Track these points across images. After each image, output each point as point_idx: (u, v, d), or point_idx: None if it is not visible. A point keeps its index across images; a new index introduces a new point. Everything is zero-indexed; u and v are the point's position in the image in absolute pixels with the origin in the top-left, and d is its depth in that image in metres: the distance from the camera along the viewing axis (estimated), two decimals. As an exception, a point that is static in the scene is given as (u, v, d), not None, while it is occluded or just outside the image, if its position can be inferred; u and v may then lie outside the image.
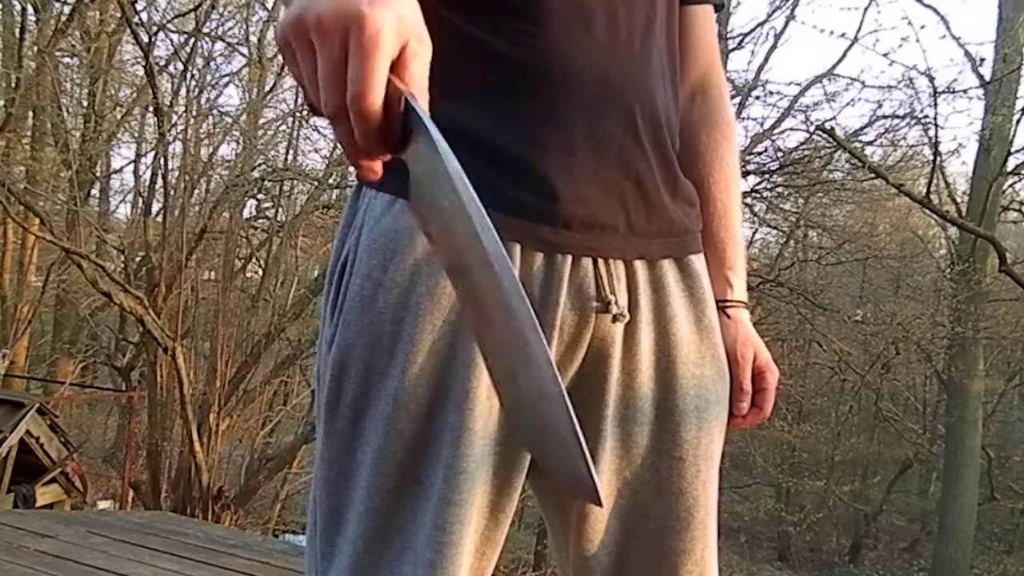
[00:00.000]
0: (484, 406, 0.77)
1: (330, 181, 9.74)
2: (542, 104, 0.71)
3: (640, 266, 0.83)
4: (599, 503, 0.59)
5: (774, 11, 9.27)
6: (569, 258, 0.78)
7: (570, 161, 0.78)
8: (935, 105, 6.58)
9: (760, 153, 8.69)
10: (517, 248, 0.77)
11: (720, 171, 0.96)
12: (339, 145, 0.59)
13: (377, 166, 0.56)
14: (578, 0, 0.79)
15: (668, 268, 0.85)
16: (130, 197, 12.87)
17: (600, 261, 0.80)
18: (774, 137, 8.81)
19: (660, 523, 0.84)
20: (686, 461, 0.84)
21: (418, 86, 0.54)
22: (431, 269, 0.76)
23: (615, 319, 0.80)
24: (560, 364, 0.80)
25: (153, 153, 10.68)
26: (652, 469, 0.84)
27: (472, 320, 0.59)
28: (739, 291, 0.95)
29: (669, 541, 0.84)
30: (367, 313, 0.78)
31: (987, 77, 8.46)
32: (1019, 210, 10.02)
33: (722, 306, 0.93)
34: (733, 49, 9.40)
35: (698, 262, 0.88)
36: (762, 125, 8.89)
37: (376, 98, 0.52)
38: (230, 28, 10.85)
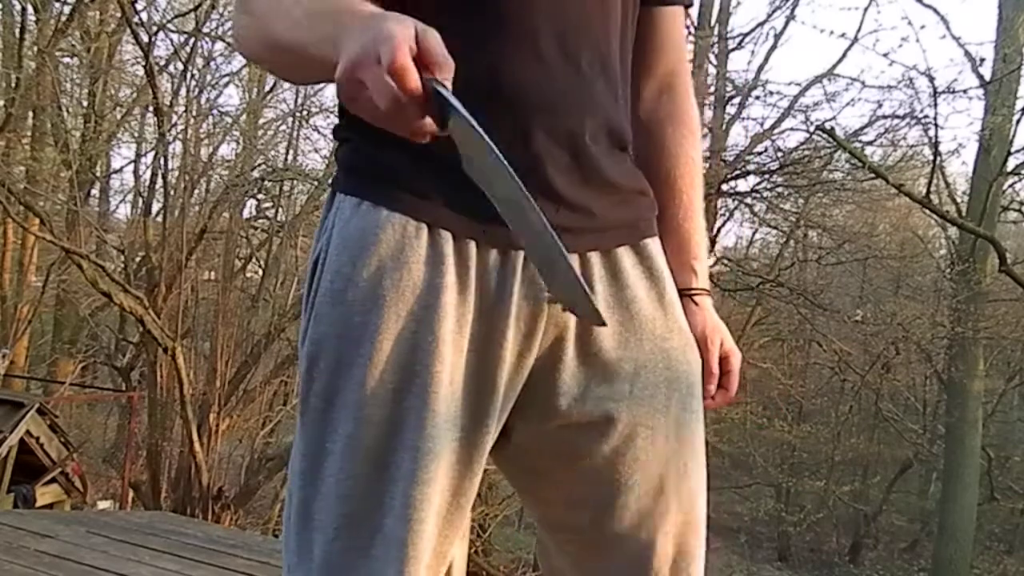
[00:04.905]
0: (447, 391, 0.81)
1: (330, 181, 9.73)
2: (489, 120, 0.73)
3: (595, 257, 0.88)
4: (602, 323, 0.78)
5: (774, 11, 9.30)
6: (522, 253, 0.83)
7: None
8: (935, 105, 6.57)
9: (760, 153, 8.69)
10: (472, 245, 0.83)
11: (685, 165, 1.01)
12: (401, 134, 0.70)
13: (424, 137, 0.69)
14: (529, 21, 0.84)
15: (624, 254, 0.90)
16: (130, 197, 12.87)
17: None
18: (774, 137, 8.82)
19: (637, 491, 0.88)
20: (659, 429, 0.89)
21: (441, 60, 0.67)
22: (396, 264, 0.81)
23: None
24: (520, 352, 0.85)
25: (153, 153, 10.68)
26: (627, 440, 0.87)
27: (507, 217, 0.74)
28: (703, 279, 1.01)
29: (646, 506, 0.89)
30: (337, 307, 0.82)
31: (987, 77, 8.46)
32: (1019, 210, 10.01)
33: (688, 294, 0.99)
34: (733, 49, 9.42)
35: (653, 244, 0.93)
36: (762, 125, 8.90)
37: (412, 82, 0.65)
38: (230, 28, 10.85)
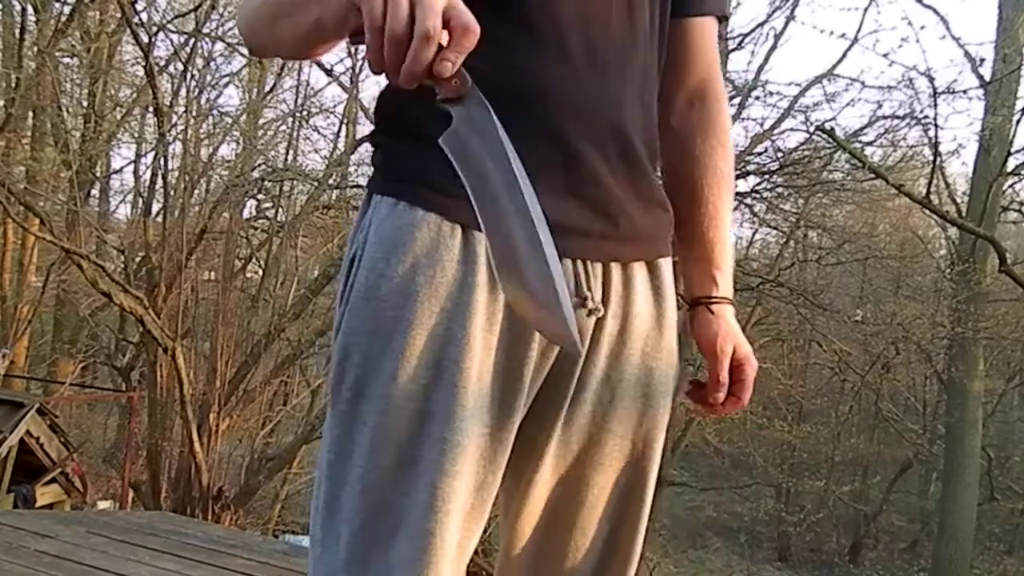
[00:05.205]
0: (476, 387, 0.83)
1: (330, 181, 9.74)
2: (520, 125, 0.78)
3: (615, 267, 0.92)
4: (579, 352, 0.75)
5: (774, 11, 9.23)
6: None
7: (546, 176, 0.84)
8: (935, 105, 6.57)
9: (760, 153, 8.69)
10: None
11: (713, 175, 1.02)
12: (383, 68, 0.71)
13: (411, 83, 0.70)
14: (556, 27, 0.87)
15: (638, 269, 0.94)
16: (130, 197, 12.86)
17: (579, 262, 0.89)
18: (774, 137, 8.81)
19: (597, 491, 0.94)
20: (629, 439, 0.94)
21: (465, 19, 0.69)
22: (429, 262, 0.84)
23: (590, 313, 0.89)
24: (543, 352, 0.88)
25: (153, 153, 10.68)
26: (597, 445, 0.93)
27: (483, 210, 0.74)
28: (724, 288, 1.02)
29: (607, 504, 0.95)
30: (371, 302, 0.84)
31: (987, 77, 8.46)
32: (1019, 210, 10.01)
33: (707, 302, 1.01)
34: (733, 49, 9.38)
35: (666, 265, 0.97)
36: (762, 125, 8.87)
37: (437, 22, 0.67)
38: (230, 28, 10.83)
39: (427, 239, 0.84)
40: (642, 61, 0.92)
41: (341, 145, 11.23)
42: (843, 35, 8.66)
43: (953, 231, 11.41)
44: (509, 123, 0.79)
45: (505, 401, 0.86)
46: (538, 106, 0.85)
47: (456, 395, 0.82)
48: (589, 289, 0.89)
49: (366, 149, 11.31)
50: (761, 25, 9.17)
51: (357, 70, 10.21)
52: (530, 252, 0.71)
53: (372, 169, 0.94)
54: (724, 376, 0.98)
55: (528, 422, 0.90)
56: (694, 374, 1.05)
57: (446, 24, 0.68)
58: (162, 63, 9.81)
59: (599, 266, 0.90)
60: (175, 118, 9.46)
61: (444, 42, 0.69)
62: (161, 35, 9.26)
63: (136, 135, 11.88)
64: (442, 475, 0.81)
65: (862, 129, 8.70)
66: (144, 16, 9.15)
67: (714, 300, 1.01)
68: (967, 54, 8.49)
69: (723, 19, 1.06)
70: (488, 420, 0.85)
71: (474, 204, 0.73)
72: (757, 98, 8.73)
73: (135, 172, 11.99)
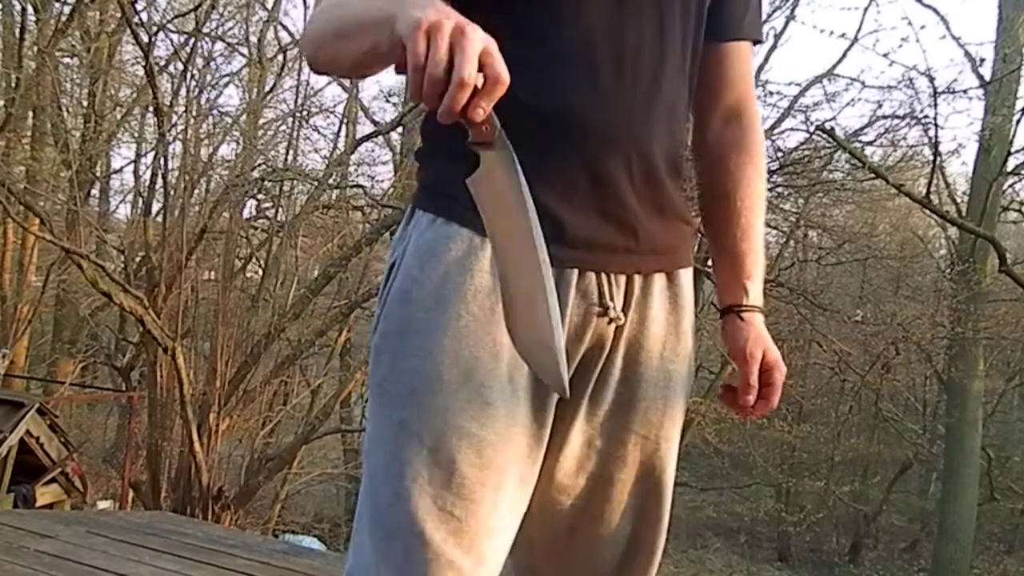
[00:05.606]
0: (507, 387, 0.89)
1: (330, 181, 9.74)
2: (550, 146, 0.87)
3: (637, 278, 0.97)
4: (565, 395, 0.81)
5: (774, 11, 9.26)
6: (576, 271, 0.93)
7: (572, 195, 0.92)
8: (935, 105, 6.53)
9: (760, 153, 8.65)
10: None
11: (746, 190, 1.08)
12: (422, 101, 0.74)
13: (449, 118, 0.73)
14: (586, 54, 0.92)
15: (658, 279, 0.99)
16: (130, 197, 12.87)
17: (603, 275, 0.94)
18: (774, 137, 8.78)
19: (620, 487, 0.99)
20: (650, 439, 0.99)
21: (498, 70, 0.72)
22: (460, 270, 0.90)
23: (611, 322, 0.95)
24: (568, 354, 0.91)
25: (153, 153, 10.68)
26: (620, 443, 0.98)
27: (498, 253, 0.79)
28: (754, 297, 1.07)
29: (629, 499, 0.99)
30: (404, 305, 0.92)
31: (987, 77, 8.44)
32: (1019, 210, 10.01)
33: (737, 310, 1.06)
34: (733, 49, 9.37)
35: (685, 275, 1.02)
36: (762, 125, 8.86)
37: (474, 70, 0.70)
38: (230, 28, 10.87)
39: (460, 250, 0.90)
40: (672, 83, 0.96)
41: (341, 145, 11.24)
42: (843, 35, 8.70)
43: (953, 231, 11.41)
44: (541, 146, 0.87)
45: (540, 399, 0.91)
46: (569, 130, 0.90)
47: (483, 394, 0.87)
48: (612, 300, 0.94)
49: (366, 149, 11.32)
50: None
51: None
52: (535, 300, 0.77)
53: (416, 185, 1.00)
54: (754, 380, 1.03)
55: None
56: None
57: (481, 70, 0.72)
58: (162, 63, 9.82)
59: (623, 278, 0.95)
60: (175, 118, 9.47)
61: (479, 85, 0.72)
62: (161, 35, 9.28)
63: (136, 135, 11.89)
64: (469, 467, 0.86)
65: (862, 129, 8.68)
66: (144, 16, 9.17)
67: (744, 308, 1.06)
68: (967, 54, 8.50)
69: (757, 43, 1.10)
70: (519, 418, 0.90)
71: (492, 246, 0.78)
72: (757, 98, 8.68)
73: (135, 172, 12.02)
